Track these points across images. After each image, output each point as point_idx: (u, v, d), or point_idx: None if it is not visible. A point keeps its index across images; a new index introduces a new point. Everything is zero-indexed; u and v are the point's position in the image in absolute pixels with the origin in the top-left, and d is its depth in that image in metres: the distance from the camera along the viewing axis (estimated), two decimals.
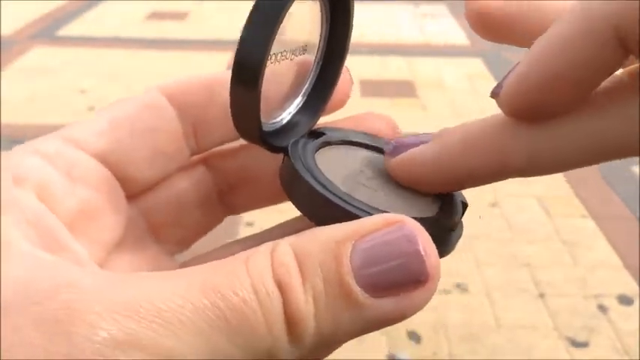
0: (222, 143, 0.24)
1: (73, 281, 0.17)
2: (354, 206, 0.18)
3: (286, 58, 0.21)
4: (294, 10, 0.19)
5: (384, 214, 0.18)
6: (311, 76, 0.23)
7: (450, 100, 2.80)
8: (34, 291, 0.16)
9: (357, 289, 0.17)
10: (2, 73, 2.93)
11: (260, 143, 0.20)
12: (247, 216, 1.94)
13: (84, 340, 0.16)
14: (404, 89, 2.93)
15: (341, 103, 0.24)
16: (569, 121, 0.18)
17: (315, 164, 0.20)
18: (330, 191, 0.19)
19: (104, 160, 0.21)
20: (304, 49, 0.22)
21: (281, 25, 0.18)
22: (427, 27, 3.89)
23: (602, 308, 1.57)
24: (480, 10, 0.21)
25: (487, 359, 1.43)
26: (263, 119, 0.20)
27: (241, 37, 0.18)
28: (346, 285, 0.17)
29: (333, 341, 0.17)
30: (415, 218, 0.18)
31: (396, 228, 0.17)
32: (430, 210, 0.20)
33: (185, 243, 0.25)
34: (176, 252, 0.24)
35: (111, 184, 0.21)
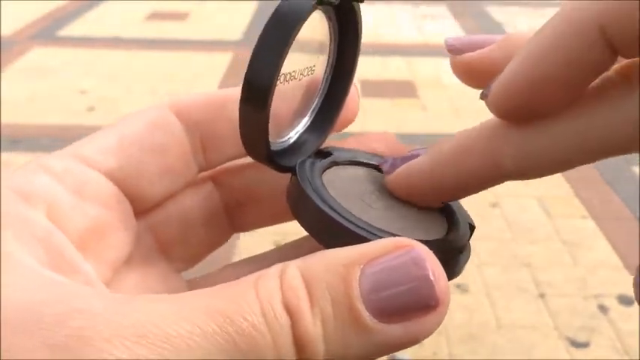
0: (230, 160, 0.24)
1: (83, 307, 0.17)
2: (362, 228, 0.18)
3: (295, 79, 0.21)
4: (304, 30, 0.19)
5: (393, 237, 0.17)
6: (318, 96, 0.23)
7: (450, 100, 2.80)
8: (45, 315, 0.16)
9: (365, 314, 0.17)
10: (2, 73, 2.93)
11: (268, 163, 0.20)
12: None
13: None
14: (404, 89, 2.93)
15: (348, 122, 0.24)
16: (560, 121, 0.18)
17: (323, 184, 0.20)
18: (338, 212, 0.19)
19: (113, 177, 0.21)
20: (312, 69, 0.22)
21: (293, 45, 0.18)
22: (427, 27, 3.89)
23: (603, 308, 1.57)
24: (465, 61, 0.21)
25: (487, 359, 1.43)
26: (271, 139, 0.20)
27: (252, 56, 0.18)
28: (355, 309, 0.17)
29: None
30: (423, 241, 0.17)
31: (404, 252, 0.17)
32: (438, 232, 0.20)
33: (192, 260, 0.25)
34: (183, 269, 0.24)
35: (120, 201, 0.21)
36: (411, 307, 0.17)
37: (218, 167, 0.24)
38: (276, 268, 0.17)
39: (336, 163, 0.22)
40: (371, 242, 0.17)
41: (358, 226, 0.18)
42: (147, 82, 2.96)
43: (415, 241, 0.17)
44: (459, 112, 2.69)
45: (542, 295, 1.61)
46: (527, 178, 0.19)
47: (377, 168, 0.22)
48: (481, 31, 3.78)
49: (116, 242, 0.21)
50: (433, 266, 0.17)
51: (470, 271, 1.71)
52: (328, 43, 0.22)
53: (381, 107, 2.73)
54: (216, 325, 0.16)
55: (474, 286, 1.66)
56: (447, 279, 0.17)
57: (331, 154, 0.22)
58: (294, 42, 0.18)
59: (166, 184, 0.22)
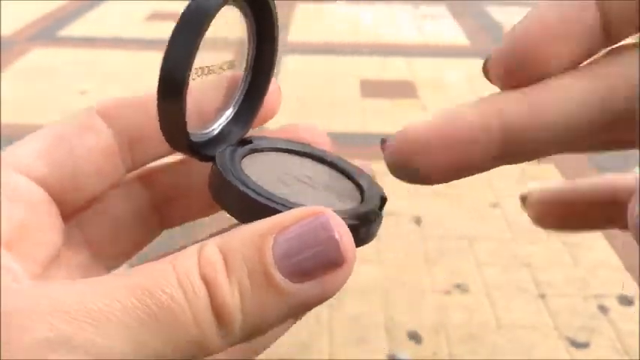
0: (158, 158, 0.25)
1: (5, 290, 0.17)
2: (277, 203, 0.20)
3: (213, 72, 0.22)
4: (219, 24, 0.20)
5: (303, 207, 0.19)
6: (241, 89, 0.24)
7: (450, 101, 2.80)
8: None
9: (279, 278, 0.18)
10: (2, 73, 2.93)
11: (189, 153, 0.22)
12: None
13: (17, 342, 0.16)
14: (404, 90, 2.93)
15: (271, 114, 0.25)
16: (555, 83, 0.19)
17: (242, 169, 0.21)
18: (255, 191, 0.20)
19: (41, 180, 0.22)
20: (232, 63, 0.23)
21: (207, 40, 0.19)
22: (427, 27, 3.89)
23: (603, 309, 1.57)
24: (540, 202, 0.22)
25: (487, 359, 1.43)
26: (192, 130, 0.21)
27: (165, 52, 0.19)
28: (269, 275, 0.18)
29: (262, 329, 0.18)
30: (335, 210, 0.19)
31: (314, 218, 0.18)
32: (351, 203, 0.22)
33: (122, 258, 0.25)
34: (113, 267, 0.25)
35: (47, 204, 0.22)
36: (320, 266, 0.18)
37: (146, 166, 0.25)
38: (194, 247, 0.18)
39: (256, 150, 0.23)
40: (283, 213, 0.18)
41: (274, 201, 0.20)
42: (147, 82, 2.96)
43: (323, 207, 0.18)
44: None
45: (542, 296, 1.61)
46: (516, 158, 0.19)
47: (296, 153, 0.24)
48: (481, 31, 3.78)
49: (42, 242, 0.22)
50: (339, 228, 0.18)
51: (470, 271, 1.71)
52: (246, 38, 0.23)
53: (381, 107, 2.73)
54: (136, 298, 0.17)
55: (474, 286, 1.66)
56: (352, 239, 0.18)
57: (251, 142, 0.23)
58: (209, 37, 0.19)
59: (95, 186, 0.23)
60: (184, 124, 0.20)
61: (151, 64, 3.19)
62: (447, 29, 3.84)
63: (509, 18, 4.07)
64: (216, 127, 0.23)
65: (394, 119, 2.59)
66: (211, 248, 0.18)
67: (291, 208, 0.19)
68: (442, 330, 1.51)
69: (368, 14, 4.07)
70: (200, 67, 0.21)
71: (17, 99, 2.70)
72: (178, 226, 0.26)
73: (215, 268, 0.18)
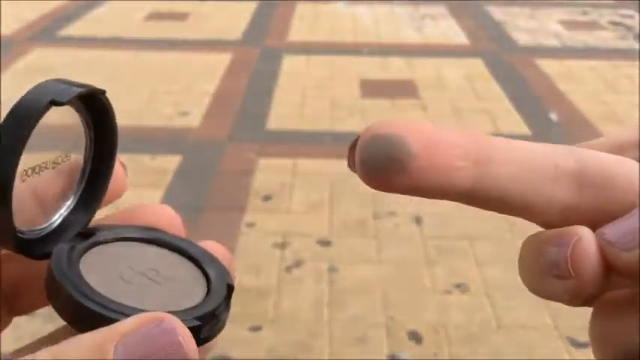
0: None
1: None
2: (114, 311, 0.19)
3: (46, 168, 0.21)
4: (51, 120, 0.20)
5: (143, 313, 0.18)
6: (79, 179, 0.23)
7: (450, 101, 2.80)
8: None
9: None
10: (2, 73, 2.93)
11: (22, 253, 0.21)
12: (248, 216, 1.94)
13: None
14: (404, 89, 2.93)
15: (116, 196, 0.25)
16: None
17: (78, 269, 0.21)
18: (90, 299, 0.19)
19: None
20: (67, 156, 0.22)
21: (36, 139, 0.19)
22: (427, 27, 3.89)
23: None
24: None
25: (488, 359, 1.43)
26: (26, 227, 0.21)
27: None
28: None
29: None
30: (176, 311, 0.19)
31: (154, 325, 0.18)
32: (196, 298, 0.21)
33: None
34: None
35: None
36: None
37: None
38: (27, 358, 0.17)
39: (97, 243, 0.22)
40: (123, 320, 0.18)
41: (111, 310, 0.19)
42: (147, 82, 2.96)
43: (164, 313, 0.18)
44: (460, 113, 2.69)
45: None
46: (476, 201, 0.19)
47: (141, 240, 0.23)
48: (481, 31, 3.78)
49: None
50: (182, 333, 0.18)
51: (470, 271, 1.71)
52: (82, 130, 0.22)
53: (381, 107, 2.73)
54: None
55: (475, 286, 1.66)
56: (194, 341, 0.18)
57: (94, 234, 0.23)
58: (35, 136, 0.19)
59: None
60: (12, 227, 0.20)
61: (151, 63, 3.19)
62: (448, 29, 3.84)
63: (509, 18, 4.07)
64: (57, 218, 0.23)
65: (394, 119, 2.59)
66: (44, 357, 0.17)
67: (129, 315, 0.18)
68: (442, 330, 1.51)
69: (368, 14, 4.07)
70: (29, 168, 0.20)
71: (17, 99, 2.69)
72: (30, 313, 0.25)
73: None
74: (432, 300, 1.60)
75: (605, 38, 3.79)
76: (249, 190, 2.09)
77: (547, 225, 0.19)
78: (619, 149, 0.21)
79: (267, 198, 2.04)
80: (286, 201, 2.03)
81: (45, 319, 1.56)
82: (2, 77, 2.88)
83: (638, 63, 3.31)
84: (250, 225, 1.90)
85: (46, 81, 0.20)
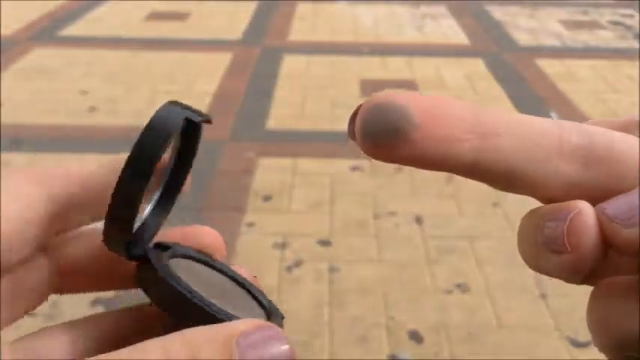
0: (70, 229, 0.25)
1: None
2: (220, 313, 0.21)
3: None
4: None
5: (252, 319, 0.20)
6: (161, 186, 0.25)
7: None
8: None
9: None
10: (2, 73, 2.93)
11: (125, 256, 0.23)
12: (248, 217, 1.94)
13: None
14: (404, 89, 2.93)
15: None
16: None
17: (174, 272, 0.23)
18: (200, 299, 0.21)
19: None
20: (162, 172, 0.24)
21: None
22: (427, 27, 3.89)
23: None
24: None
25: (488, 359, 1.43)
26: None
27: (115, 188, 0.20)
28: None
29: None
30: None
31: (267, 329, 0.19)
32: (262, 316, 0.24)
33: (7, 322, 0.25)
34: None
35: None
36: None
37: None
38: (157, 346, 0.19)
39: (175, 255, 0.24)
40: (238, 320, 0.20)
41: (217, 311, 0.21)
42: (147, 82, 2.96)
43: (266, 321, 0.20)
44: None
45: (543, 295, 1.61)
46: (479, 175, 0.19)
47: (204, 263, 0.25)
48: (481, 31, 3.78)
49: None
50: (287, 338, 0.19)
51: (471, 270, 1.71)
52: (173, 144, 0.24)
53: None
54: None
55: (475, 285, 1.66)
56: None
57: (170, 247, 0.24)
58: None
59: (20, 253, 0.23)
60: (129, 239, 0.21)
61: (151, 63, 3.19)
62: (448, 29, 3.84)
63: (509, 18, 4.07)
64: (137, 224, 0.24)
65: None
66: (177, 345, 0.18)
67: (229, 316, 0.20)
68: (443, 330, 1.51)
69: (368, 14, 4.07)
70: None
71: (18, 99, 2.70)
72: (67, 294, 0.27)
73: None
74: (433, 300, 1.60)
75: (606, 38, 3.79)
76: (249, 190, 2.09)
77: (549, 201, 0.19)
78: (623, 129, 0.21)
79: (267, 198, 2.04)
80: (286, 201, 2.03)
81: (45, 319, 1.56)
82: (2, 77, 2.88)
83: (638, 62, 3.31)
84: (250, 225, 1.90)
85: (167, 103, 0.21)
